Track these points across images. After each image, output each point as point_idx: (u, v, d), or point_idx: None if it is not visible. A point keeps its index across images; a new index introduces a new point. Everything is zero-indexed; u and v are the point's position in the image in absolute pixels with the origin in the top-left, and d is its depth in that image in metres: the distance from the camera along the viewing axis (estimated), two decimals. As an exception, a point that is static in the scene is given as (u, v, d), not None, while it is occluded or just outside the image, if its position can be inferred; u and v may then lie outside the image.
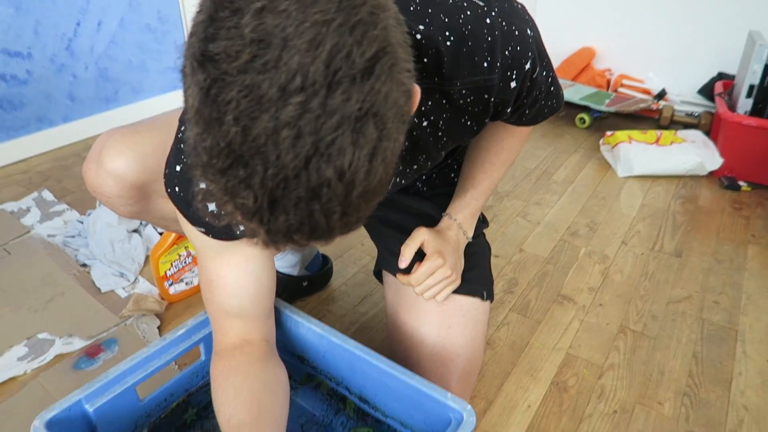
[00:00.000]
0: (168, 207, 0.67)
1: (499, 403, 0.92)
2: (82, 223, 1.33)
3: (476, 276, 0.87)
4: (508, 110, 0.73)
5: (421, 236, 0.81)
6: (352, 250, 1.31)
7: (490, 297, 0.88)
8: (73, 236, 1.30)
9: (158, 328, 1.04)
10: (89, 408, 0.66)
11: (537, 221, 1.46)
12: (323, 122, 0.37)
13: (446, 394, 0.66)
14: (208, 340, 0.77)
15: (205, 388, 0.81)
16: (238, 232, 0.65)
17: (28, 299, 1.10)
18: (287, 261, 1.10)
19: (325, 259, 1.18)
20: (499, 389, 0.94)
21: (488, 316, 0.88)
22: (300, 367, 0.83)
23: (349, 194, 0.40)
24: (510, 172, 1.69)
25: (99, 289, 1.13)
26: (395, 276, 0.86)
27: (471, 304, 0.85)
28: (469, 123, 0.72)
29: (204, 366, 0.79)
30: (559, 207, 1.53)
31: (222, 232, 0.65)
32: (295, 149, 0.37)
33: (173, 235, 1.05)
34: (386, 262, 0.91)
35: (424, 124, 0.69)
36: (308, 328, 0.78)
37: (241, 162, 0.38)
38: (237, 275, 0.68)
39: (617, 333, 1.08)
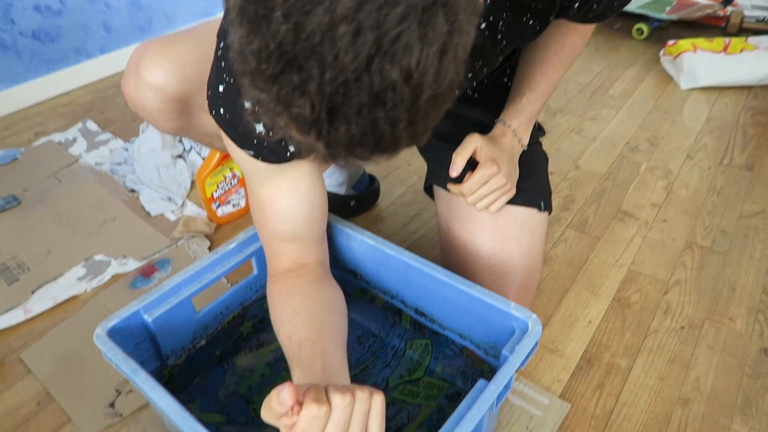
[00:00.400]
0: (211, 123, 0.64)
1: (558, 318, 0.89)
2: (127, 150, 1.33)
3: (532, 185, 0.82)
4: (576, 5, 0.66)
5: (473, 143, 0.76)
6: (399, 171, 1.26)
7: (547, 208, 0.83)
8: (119, 163, 1.30)
9: (208, 249, 1.04)
10: (148, 318, 0.66)
11: (593, 137, 1.37)
12: (386, 14, 0.32)
13: (509, 303, 0.63)
14: (259, 255, 0.75)
15: (260, 302, 0.80)
16: (288, 154, 0.62)
17: (82, 223, 1.11)
18: (334, 179, 1.07)
19: (371, 179, 1.14)
20: (558, 305, 0.91)
21: (546, 227, 0.83)
22: (353, 281, 0.81)
23: (416, 99, 0.35)
24: (562, 87, 1.59)
25: (149, 213, 1.14)
26: (446, 189, 0.82)
27: (527, 214, 0.80)
28: (531, 22, 0.65)
29: (257, 280, 0.79)
30: (617, 122, 1.43)
31: (271, 154, 0.62)
32: (354, 47, 0.32)
33: (217, 156, 1.03)
34: (437, 176, 0.87)
35: (483, 26, 0.62)
36: (361, 241, 0.75)
37: (294, 65, 0.33)
38: (289, 199, 0.66)
39: (683, 249, 1.02)
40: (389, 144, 0.37)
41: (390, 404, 0.71)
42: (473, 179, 0.75)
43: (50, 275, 0.99)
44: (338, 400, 0.46)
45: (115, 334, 0.63)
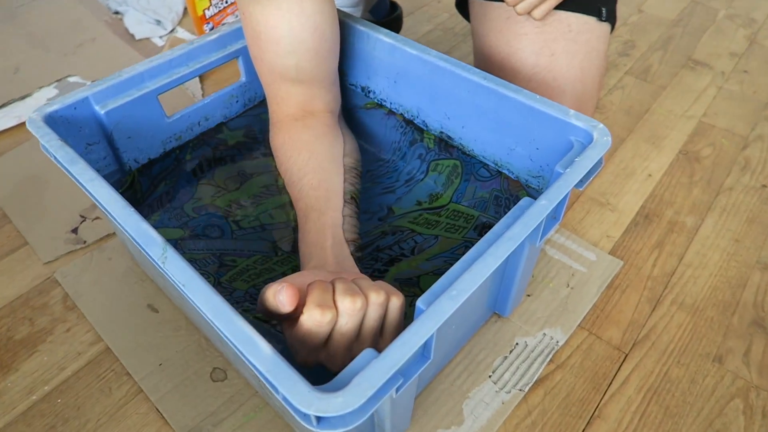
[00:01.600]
0: None
1: (610, 169, 0.74)
2: (112, -31, 1.14)
3: None
4: None
5: None
6: (427, 7, 1.07)
7: (610, 18, 0.65)
8: (102, -17, 1.11)
9: (199, 81, 0.88)
10: (100, 110, 0.52)
11: (664, -20, 1.14)
12: None
13: (566, 110, 0.47)
14: (248, 56, 0.60)
15: (247, 119, 0.66)
16: None
17: (57, 43, 0.96)
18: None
19: (393, 5, 0.95)
20: (611, 156, 0.75)
21: (607, 44, 0.66)
22: (365, 100, 0.65)
23: None
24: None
25: (133, 36, 0.98)
26: None
27: (583, 24, 0.63)
28: None
29: (245, 90, 0.63)
30: (694, -35, 1.19)
31: None
32: None
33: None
34: None
35: None
36: (376, 41, 0.58)
37: None
38: (290, 25, 0.52)
39: (767, 102, 0.84)
40: None
41: (389, 233, 0.59)
42: None
43: (17, 93, 0.86)
44: (347, 304, 0.36)
45: (56, 125, 0.49)
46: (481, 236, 0.52)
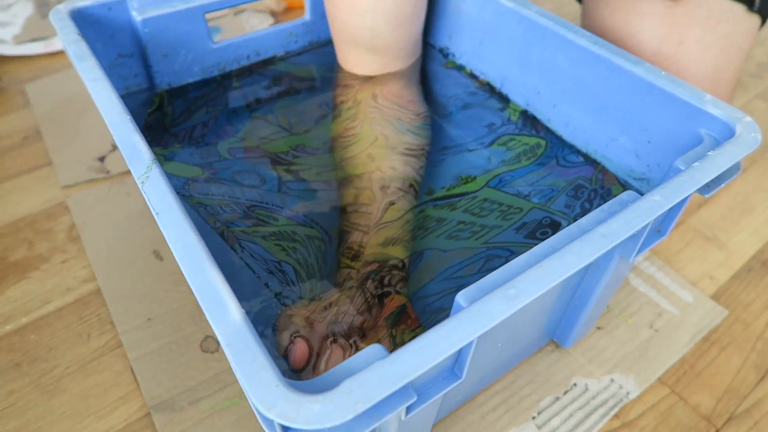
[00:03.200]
0: None
1: (724, 200, 0.60)
2: None
3: None
4: None
5: None
6: (532, -5, 0.96)
7: (765, 7, 0.52)
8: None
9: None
10: (137, 17, 0.45)
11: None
12: None
13: (701, 93, 0.36)
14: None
15: (301, 59, 0.57)
16: None
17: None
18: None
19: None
20: (727, 185, 0.62)
21: (752, 41, 0.53)
22: (442, 61, 0.56)
23: None
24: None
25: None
26: None
27: (727, 12, 0.51)
28: None
29: (308, 29, 0.55)
30: None
31: None
32: None
33: None
34: None
35: None
36: (465, -9, 0.49)
37: None
38: None
39: None
40: None
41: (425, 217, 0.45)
42: None
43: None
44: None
45: (85, 24, 0.43)
46: (535, 239, 0.41)
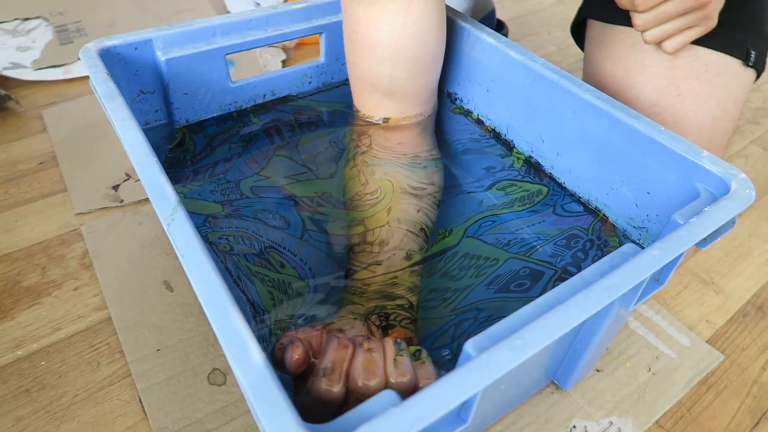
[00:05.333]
0: None
1: (721, 245, 0.62)
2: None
3: (743, 21, 0.53)
4: None
5: None
6: (535, 36, 0.99)
7: (758, 64, 0.54)
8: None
9: (282, 62, 0.84)
10: (161, 56, 0.47)
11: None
12: None
13: (698, 149, 0.38)
14: (333, 33, 0.54)
15: (316, 98, 0.59)
16: None
17: (157, 6, 0.96)
18: (455, 2, 0.82)
19: (500, 24, 0.88)
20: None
21: (747, 94, 0.55)
22: (450, 106, 0.58)
23: None
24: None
25: (225, 6, 0.96)
26: (603, 20, 0.56)
27: (724, 66, 0.53)
28: None
29: (322, 71, 0.58)
30: None
31: None
32: None
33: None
34: (592, 6, 0.61)
35: None
36: (477, 40, 0.51)
37: None
38: (392, 27, 0.46)
39: None
40: None
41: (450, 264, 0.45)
42: None
43: (102, 47, 0.85)
44: (359, 385, 0.31)
45: (112, 62, 0.45)
46: (508, 291, 0.42)
